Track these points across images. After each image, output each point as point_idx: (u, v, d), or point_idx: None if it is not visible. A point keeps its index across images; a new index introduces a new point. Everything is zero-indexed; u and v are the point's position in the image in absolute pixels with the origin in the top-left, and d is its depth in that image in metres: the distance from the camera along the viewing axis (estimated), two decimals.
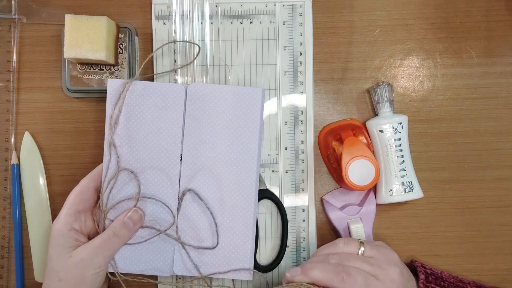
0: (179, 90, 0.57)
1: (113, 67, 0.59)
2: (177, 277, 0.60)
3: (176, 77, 0.60)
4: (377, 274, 0.50)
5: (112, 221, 0.55)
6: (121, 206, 0.56)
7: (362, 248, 0.52)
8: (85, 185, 0.54)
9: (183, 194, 0.57)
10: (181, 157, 0.57)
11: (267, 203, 0.61)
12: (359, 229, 0.59)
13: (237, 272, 0.57)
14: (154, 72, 0.60)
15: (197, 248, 0.57)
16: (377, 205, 0.60)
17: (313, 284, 0.49)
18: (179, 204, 0.57)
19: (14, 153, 0.61)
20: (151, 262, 0.57)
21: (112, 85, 0.56)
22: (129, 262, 0.56)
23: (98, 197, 0.56)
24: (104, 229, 0.55)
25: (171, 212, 0.56)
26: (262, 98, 0.57)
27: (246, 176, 0.57)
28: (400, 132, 0.58)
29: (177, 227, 0.57)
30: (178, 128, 0.57)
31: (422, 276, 0.54)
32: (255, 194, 0.57)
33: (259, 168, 0.58)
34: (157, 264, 0.57)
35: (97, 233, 0.55)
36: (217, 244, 0.57)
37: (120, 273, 0.55)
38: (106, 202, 0.56)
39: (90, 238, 0.55)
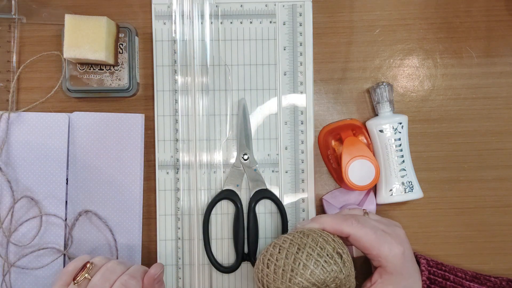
0: (63, 119, 0.59)
1: (113, 67, 0.59)
2: None
3: (176, 77, 0.60)
4: (384, 229, 0.52)
5: (16, 245, 0.57)
6: (22, 228, 0.58)
7: (367, 215, 0.55)
8: None
9: (80, 215, 0.59)
10: (67, 181, 0.59)
11: (267, 203, 0.61)
12: None
13: None
14: (154, 72, 0.60)
15: None
16: (377, 205, 0.60)
17: (323, 230, 0.51)
18: (73, 225, 0.59)
19: None
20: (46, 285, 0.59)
21: None
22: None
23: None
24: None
25: (66, 233, 0.59)
26: (142, 123, 0.60)
27: (130, 196, 0.60)
28: (400, 132, 0.58)
29: (70, 246, 0.59)
30: (63, 154, 0.59)
31: (423, 261, 0.55)
32: (139, 212, 0.60)
33: (142, 187, 0.60)
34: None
35: None
36: (117, 259, 0.58)
37: None
38: (9, 227, 0.58)
39: None
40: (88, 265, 0.50)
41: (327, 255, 0.48)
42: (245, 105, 0.60)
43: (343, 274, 0.48)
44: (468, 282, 0.55)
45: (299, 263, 0.47)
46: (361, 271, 0.58)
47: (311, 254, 0.47)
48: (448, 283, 0.54)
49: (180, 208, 0.60)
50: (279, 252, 0.49)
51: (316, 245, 0.48)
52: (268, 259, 0.49)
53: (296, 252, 0.48)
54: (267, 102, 0.61)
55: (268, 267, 0.49)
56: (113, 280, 0.49)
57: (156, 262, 0.60)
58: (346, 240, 0.51)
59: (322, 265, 0.47)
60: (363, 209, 0.56)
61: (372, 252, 0.50)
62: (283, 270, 0.48)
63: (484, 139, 0.62)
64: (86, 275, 0.49)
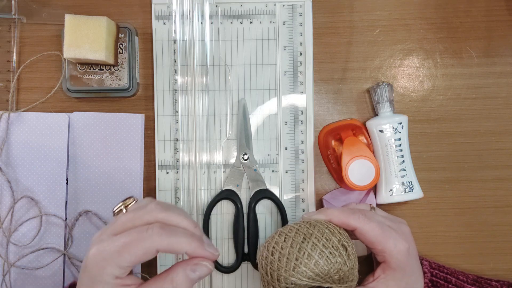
0: (63, 119, 0.59)
1: (113, 67, 0.59)
2: None
3: (176, 77, 0.60)
4: (390, 225, 0.52)
5: (16, 245, 0.58)
6: (22, 228, 0.58)
7: (373, 211, 0.54)
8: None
9: (80, 215, 0.59)
10: (67, 181, 0.59)
11: (267, 203, 0.61)
12: None
13: None
14: (154, 72, 0.60)
15: None
16: (377, 205, 0.60)
17: (329, 222, 0.51)
18: (73, 225, 0.59)
19: None
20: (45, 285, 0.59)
21: None
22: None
23: None
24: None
25: (66, 233, 0.59)
26: (142, 123, 0.60)
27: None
28: (400, 132, 0.58)
29: (70, 246, 0.59)
30: (63, 154, 0.59)
31: (426, 263, 0.55)
32: None
33: (142, 187, 0.60)
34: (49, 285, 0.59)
35: None
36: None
37: None
38: (9, 227, 0.58)
39: None
40: (130, 199, 0.46)
41: (332, 246, 0.48)
42: (245, 105, 0.60)
43: (347, 266, 0.48)
44: (469, 286, 0.55)
45: (304, 253, 0.47)
46: (362, 268, 0.58)
47: (316, 245, 0.47)
48: (450, 285, 0.54)
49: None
50: (284, 241, 0.49)
51: (322, 236, 0.48)
52: (273, 247, 0.49)
53: (302, 241, 0.48)
54: (267, 102, 0.61)
55: (272, 255, 0.49)
56: (139, 223, 0.44)
57: (156, 262, 0.60)
58: (351, 233, 0.51)
59: (327, 256, 0.47)
60: (370, 204, 0.56)
61: (377, 247, 0.50)
62: (287, 258, 0.47)
63: (484, 139, 0.62)
64: (122, 207, 0.45)
